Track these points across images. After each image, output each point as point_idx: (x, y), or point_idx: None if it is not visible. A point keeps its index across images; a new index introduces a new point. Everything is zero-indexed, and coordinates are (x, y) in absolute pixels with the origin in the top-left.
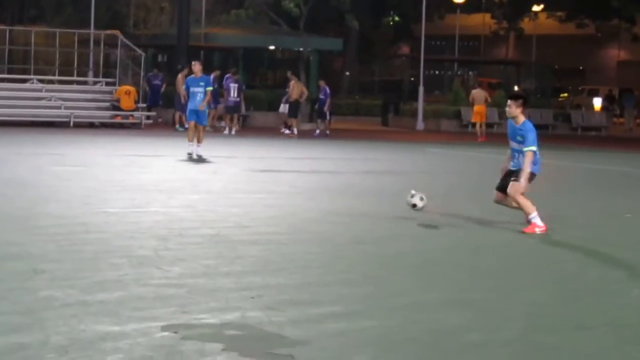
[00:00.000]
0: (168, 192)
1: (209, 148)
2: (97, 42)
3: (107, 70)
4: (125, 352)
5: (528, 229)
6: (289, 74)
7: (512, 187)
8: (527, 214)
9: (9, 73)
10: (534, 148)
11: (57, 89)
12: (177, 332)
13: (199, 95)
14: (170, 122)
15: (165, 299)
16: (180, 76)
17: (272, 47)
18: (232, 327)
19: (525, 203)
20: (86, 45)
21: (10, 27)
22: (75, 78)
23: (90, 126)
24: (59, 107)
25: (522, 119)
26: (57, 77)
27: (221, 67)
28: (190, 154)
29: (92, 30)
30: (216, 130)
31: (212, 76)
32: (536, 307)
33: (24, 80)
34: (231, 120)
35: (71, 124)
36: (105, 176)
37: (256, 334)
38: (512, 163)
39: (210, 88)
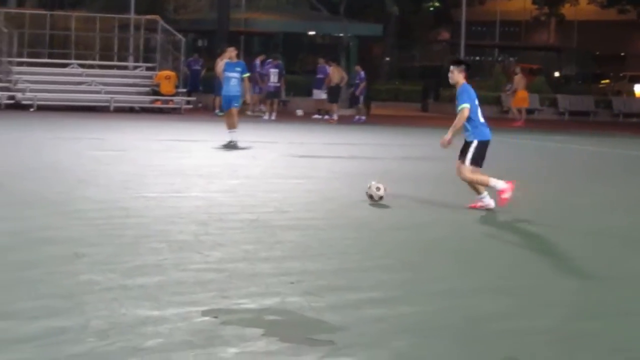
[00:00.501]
0: (207, 177)
1: (249, 133)
2: (137, 27)
3: (147, 55)
4: (165, 336)
5: (474, 204)
6: (321, 60)
7: (459, 170)
8: (475, 191)
9: (49, 58)
10: (466, 105)
11: (97, 73)
12: (217, 316)
13: (232, 80)
14: (210, 107)
15: (205, 284)
16: (218, 60)
17: (312, 33)
18: (272, 312)
19: (480, 178)
20: (126, 30)
21: (51, 12)
22: (115, 63)
23: (130, 111)
24: (99, 92)
25: (462, 81)
26: (97, 62)
27: (261, 52)
28: (230, 141)
29: (132, 15)
30: (256, 116)
31: (257, 61)
32: (577, 294)
33: (65, 65)
34: (271, 105)
35: (111, 108)
36: (145, 161)
37: (296, 320)
38: (465, 133)
39: (247, 75)
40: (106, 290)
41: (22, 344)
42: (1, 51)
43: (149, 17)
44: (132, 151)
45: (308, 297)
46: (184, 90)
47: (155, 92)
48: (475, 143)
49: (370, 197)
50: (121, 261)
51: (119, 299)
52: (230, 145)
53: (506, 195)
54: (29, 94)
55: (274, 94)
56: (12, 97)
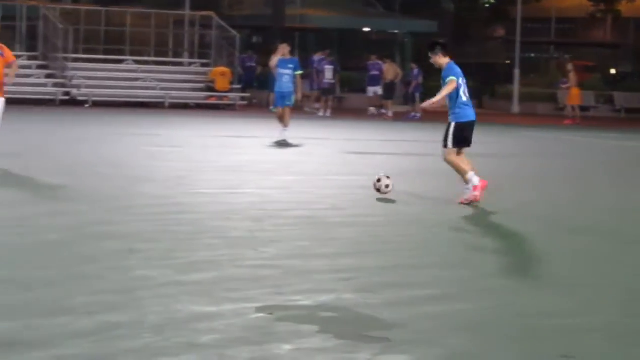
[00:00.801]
0: (262, 174)
1: (304, 130)
2: (192, 23)
3: (202, 51)
4: (220, 332)
5: (464, 200)
6: (372, 57)
7: (442, 153)
8: (463, 178)
9: (104, 54)
10: (453, 77)
11: (152, 69)
12: (272, 313)
13: (285, 77)
14: (264, 104)
15: (260, 280)
16: (272, 56)
17: (366, 29)
18: (327, 309)
19: (459, 165)
20: (181, 26)
21: (106, 8)
22: (170, 59)
23: (184, 107)
24: (154, 88)
25: (445, 61)
26: (152, 58)
27: (318, 49)
28: (282, 140)
29: (187, 12)
30: (311, 112)
31: (315, 57)
32: (631, 292)
33: (120, 61)
34: (326, 102)
35: (166, 104)
36: (200, 157)
37: (351, 316)
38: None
39: (300, 72)
40: (161, 286)
41: (78, 339)
42: (57, 47)
43: (203, 13)
44: (187, 147)
45: (363, 293)
46: (239, 86)
47: (210, 89)
48: (452, 125)
49: (378, 190)
50: (176, 257)
51: (174, 295)
52: (284, 143)
53: (476, 193)
54: (84, 90)
55: (328, 90)
56: (67, 93)
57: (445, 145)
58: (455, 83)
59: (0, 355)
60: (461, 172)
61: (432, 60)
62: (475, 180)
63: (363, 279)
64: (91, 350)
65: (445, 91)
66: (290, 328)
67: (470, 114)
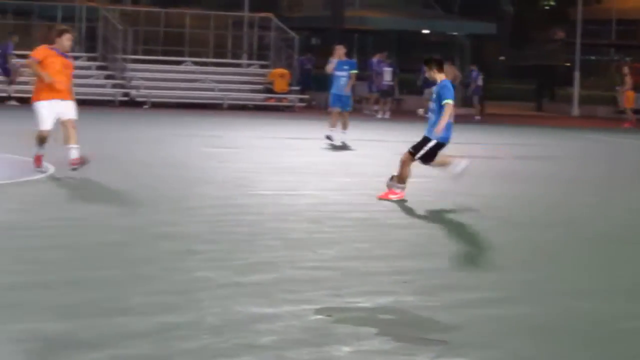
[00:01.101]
0: (320, 175)
1: (362, 132)
2: (250, 25)
3: (261, 52)
4: (279, 333)
5: (383, 195)
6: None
7: (404, 154)
8: (396, 178)
9: (163, 55)
10: (450, 101)
11: (211, 71)
12: (330, 315)
13: (342, 79)
14: (323, 106)
15: (319, 282)
16: (330, 58)
17: (425, 31)
18: (386, 311)
19: (406, 171)
20: (240, 27)
21: (165, 10)
22: (229, 60)
23: (242, 108)
24: (212, 90)
25: (441, 77)
26: (211, 60)
27: (378, 51)
28: (329, 137)
29: (246, 13)
30: (370, 115)
31: (374, 59)
32: None
33: (179, 63)
34: (384, 104)
35: (225, 106)
36: (259, 158)
37: (410, 319)
38: (428, 128)
39: (355, 71)
40: (220, 287)
41: (137, 339)
42: (116, 48)
43: (262, 14)
44: (246, 149)
45: (421, 296)
46: (298, 88)
47: (269, 90)
48: (432, 142)
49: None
50: (235, 258)
51: (233, 296)
52: (335, 145)
53: (392, 197)
54: (143, 91)
55: (387, 92)
56: (126, 94)
57: (413, 155)
58: (452, 107)
59: (59, 355)
60: (401, 176)
61: (426, 74)
62: (399, 190)
63: (421, 281)
64: (149, 350)
65: (447, 117)
66: (348, 330)
67: (450, 133)
